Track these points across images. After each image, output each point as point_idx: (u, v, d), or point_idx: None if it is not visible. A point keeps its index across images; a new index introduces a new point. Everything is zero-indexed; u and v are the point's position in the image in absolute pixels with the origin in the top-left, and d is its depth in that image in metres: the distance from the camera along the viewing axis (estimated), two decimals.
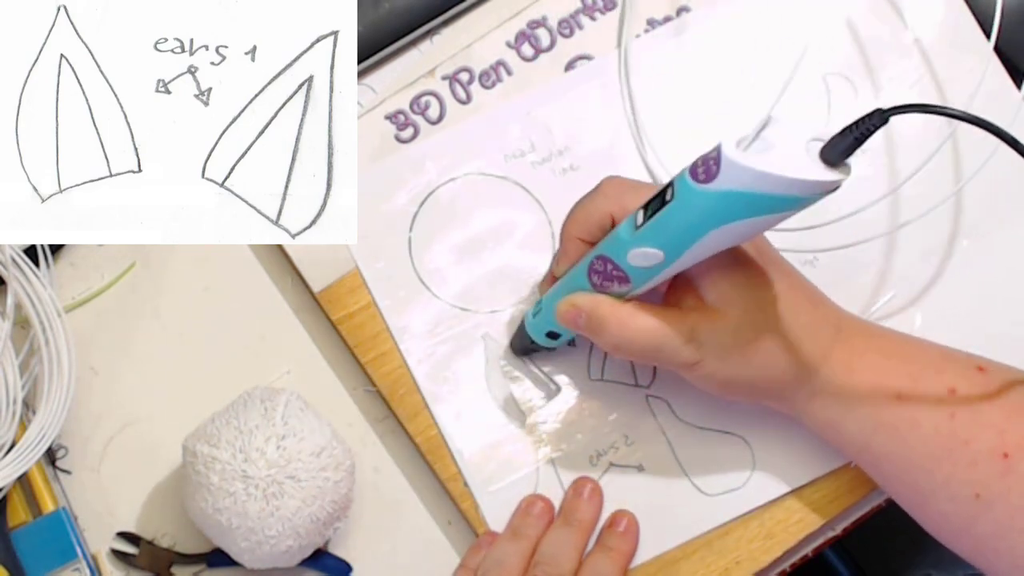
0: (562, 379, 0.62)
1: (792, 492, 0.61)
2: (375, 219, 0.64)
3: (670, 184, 0.48)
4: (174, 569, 0.60)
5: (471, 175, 0.65)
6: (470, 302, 0.63)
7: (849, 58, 0.67)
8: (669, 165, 0.65)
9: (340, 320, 0.63)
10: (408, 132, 0.65)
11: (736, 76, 0.66)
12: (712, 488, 0.61)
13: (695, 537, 0.60)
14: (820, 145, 0.45)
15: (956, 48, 0.67)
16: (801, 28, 0.67)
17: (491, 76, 0.66)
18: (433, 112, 0.66)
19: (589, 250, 0.55)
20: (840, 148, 0.44)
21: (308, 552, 0.58)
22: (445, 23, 0.68)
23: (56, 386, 0.59)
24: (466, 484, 0.61)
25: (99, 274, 0.65)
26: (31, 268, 0.60)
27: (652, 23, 0.67)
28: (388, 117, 0.66)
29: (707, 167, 0.46)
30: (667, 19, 0.67)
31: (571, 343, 0.62)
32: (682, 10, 0.67)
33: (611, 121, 0.66)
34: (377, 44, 0.66)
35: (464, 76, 0.66)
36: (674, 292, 0.55)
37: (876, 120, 0.43)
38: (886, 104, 0.43)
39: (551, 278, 0.60)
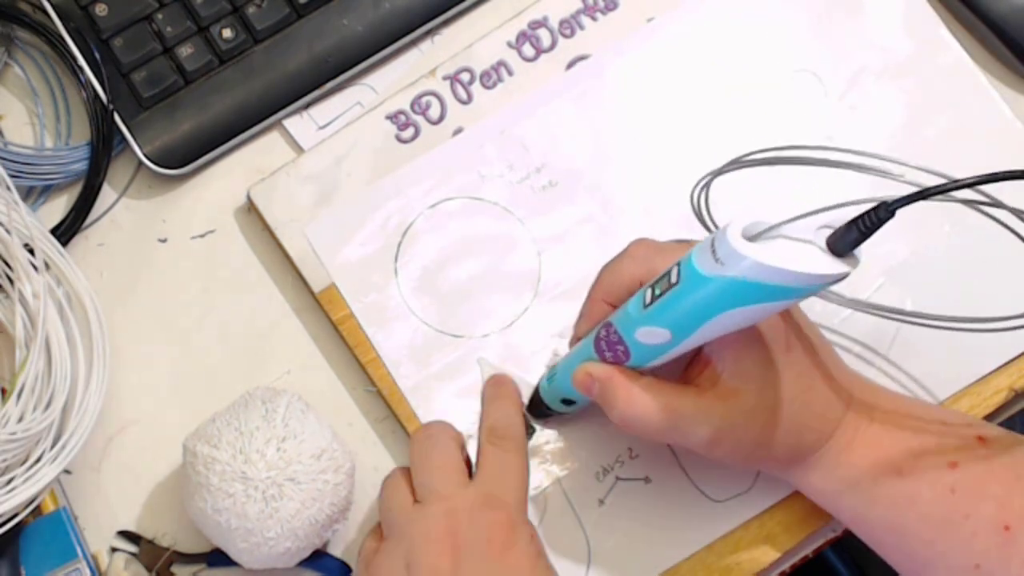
0: None
1: (796, 492, 0.61)
2: (358, 253, 0.63)
3: (677, 265, 0.48)
4: (174, 568, 0.61)
5: (451, 200, 0.64)
6: (462, 327, 0.63)
7: (815, 53, 0.67)
8: (648, 176, 0.65)
9: (340, 320, 0.63)
10: (409, 132, 0.65)
11: (709, 78, 0.66)
12: (720, 494, 0.61)
13: (707, 544, 0.60)
14: (828, 232, 0.44)
15: (918, 39, 0.67)
16: (770, 26, 0.67)
17: (492, 76, 0.66)
18: (434, 112, 0.66)
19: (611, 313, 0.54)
20: (847, 240, 0.43)
21: (307, 553, 0.58)
22: (445, 23, 0.68)
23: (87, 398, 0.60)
24: None
25: (99, 274, 0.65)
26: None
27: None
28: (389, 117, 0.65)
29: (712, 252, 0.45)
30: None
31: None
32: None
33: (587, 134, 0.65)
34: (377, 44, 0.66)
35: (465, 76, 0.66)
36: (692, 367, 0.54)
37: (882, 214, 0.42)
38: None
39: (574, 340, 0.59)
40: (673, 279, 0.48)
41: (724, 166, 0.52)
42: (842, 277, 0.44)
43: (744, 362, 0.52)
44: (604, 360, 0.53)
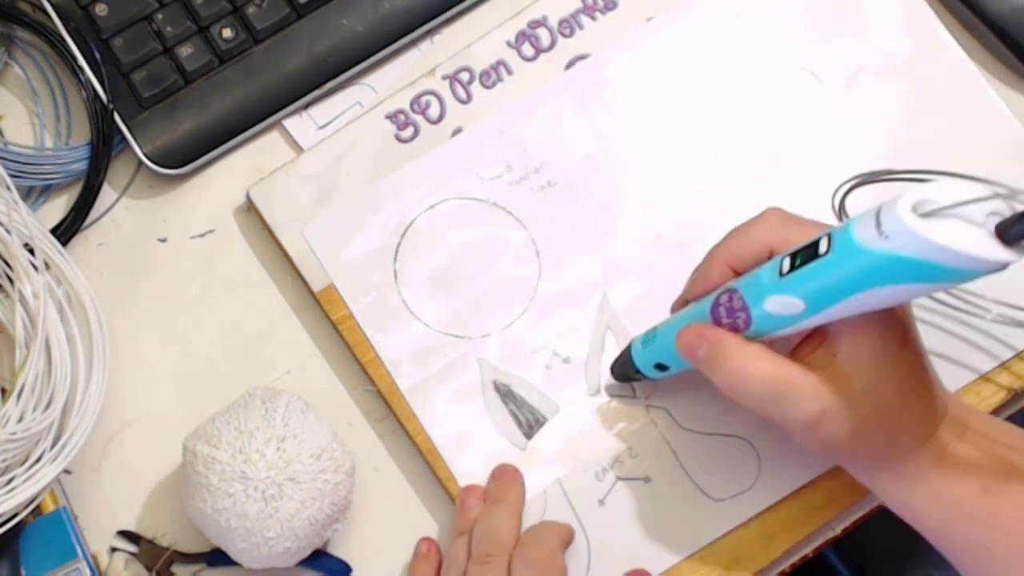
0: (560, 397, 0.62)
1: (796, 492, 0.61)
2: (357, 254, 0.63)
3: (827, 235, 0.47)
4: (174, 568, 0.61)
5: (450, 200, 0.64)
6: (461, 328, 0.63)
7: (815, 53, 0.67)
8: (647, 175, 0.65)
9: (340, 320, 0.63)
10: (408, 132, 0.65)
11: (709, 78, 0.66)
12: (721, 493, 0.61)
13: (708, 543, 0.60)
14: (997, 219, 0.43)
15: (918, 39, 0.67)
16: (770, 26, 0.67)
17: (491, 76, 0.66)
18: (433, 112, 0.66)
19: (733, 279, 0.53)
20: (1018, 230, 0.42)
21: (307, 553, 0.58)
22: (445, 23, 0.68)
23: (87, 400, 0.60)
24: None
25: (99, 274, 0.65)
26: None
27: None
28: (388, 117, 0.66)
29: (877, 225, 0.44)
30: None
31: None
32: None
33: (586, 134, 0.65)
34: (377, 44, 0.66)
35: (464, 76, 0.66)
36: (804, 346, 0.53)
37: None
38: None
39: (681, 302, 0.57)
40: (822, 249, 0.46)
41: (872, 174, 0.50)
42: (1005, 265, 0.43)
43: (862, 349, 0.50)
44: (720, 325, 0.52)
